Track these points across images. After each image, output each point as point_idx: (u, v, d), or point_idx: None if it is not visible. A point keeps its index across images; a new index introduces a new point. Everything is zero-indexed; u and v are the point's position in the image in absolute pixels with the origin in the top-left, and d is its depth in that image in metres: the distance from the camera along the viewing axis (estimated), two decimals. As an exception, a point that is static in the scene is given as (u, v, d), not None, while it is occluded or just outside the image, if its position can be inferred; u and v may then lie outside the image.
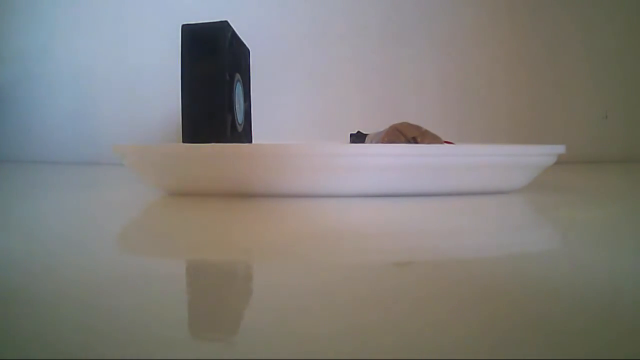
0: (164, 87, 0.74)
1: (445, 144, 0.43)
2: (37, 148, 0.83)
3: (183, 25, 0.42)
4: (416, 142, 0.43)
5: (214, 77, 0.42)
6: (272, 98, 0.80)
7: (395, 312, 0.15)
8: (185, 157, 0.37)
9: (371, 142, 0.51)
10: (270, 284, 0.18)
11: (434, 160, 0.37)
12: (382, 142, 0.44)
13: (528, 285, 0.18)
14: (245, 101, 0.52)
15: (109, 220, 0.32)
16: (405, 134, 0.43)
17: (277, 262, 0.21)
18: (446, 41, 0.84)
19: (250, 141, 0.57)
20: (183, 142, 0.41)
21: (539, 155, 0.39)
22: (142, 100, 0.82)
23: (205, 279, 0.19)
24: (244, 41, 0.52)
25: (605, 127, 0.86)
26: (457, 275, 0.19)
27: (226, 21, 0.43)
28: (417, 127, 0.44)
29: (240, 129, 0.49)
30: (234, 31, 0.46)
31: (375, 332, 0.13)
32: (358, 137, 0.60)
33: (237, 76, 0.48)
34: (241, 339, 0.13)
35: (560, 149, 0.39)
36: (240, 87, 0.49)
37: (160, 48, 0.77)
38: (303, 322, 0.14)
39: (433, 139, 0.43)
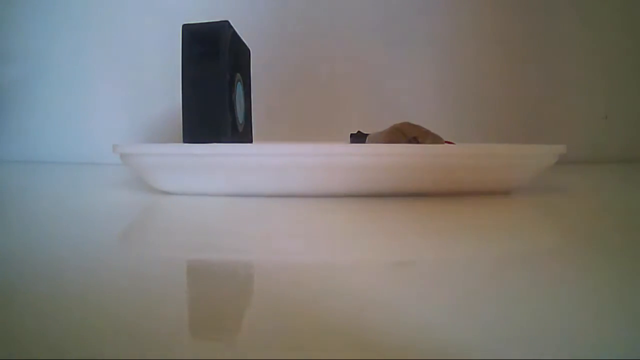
0: (164, 87, 0.74)
1: (446, 144, 0.43)
2: (37, 148, 0.83)
3: (183, 25, 0.42)
4: (417, 142, 0.42)
5: (215, 77, 0.42)
6: (272, 98, 0.80)
7: (395, 312, 0.15)
8: (185, 157, 0.37)
9: (371, 142, 0.51)
10: (270, 284, 0.18)
11: (435, 160, 0.37)
12: (383, 142, 0.44)
13: (528, 284, 0.18)
14: (245, 101, 0.52)
15: (109, 220, 0.32)
16: (405, 134, 0.43)
17: (277, 261, 0.21)
18: (446, 41, 0.84)
19: (251, 141, 0.57)
20: (183, 142, 0.41)
21: (539, 155, 0.39)
22: (142, 100, 0.82)
23: (205, 278, 0.19)
24: (244, 41, 0.52)
25: (605, 127, 0.86)
26: (457, 275, 0.19)
27: (226, 21, 0.43)
28: (418, 127, 0.44)
29: (240, 128, 0.49)
30: (234, 31, 0.46)
31: (375, 332, 0.13)
32: (358, 137, 0.60)
33: (238, 76, 0.48)
34: (241, 339, 0.13)
35: (560, 149, 0.39)
36: (241, 87, 0.49)
37: (160, 48, 0.77)
38: (303, 322, 0.14)
39: (434, 139, 0.43)
